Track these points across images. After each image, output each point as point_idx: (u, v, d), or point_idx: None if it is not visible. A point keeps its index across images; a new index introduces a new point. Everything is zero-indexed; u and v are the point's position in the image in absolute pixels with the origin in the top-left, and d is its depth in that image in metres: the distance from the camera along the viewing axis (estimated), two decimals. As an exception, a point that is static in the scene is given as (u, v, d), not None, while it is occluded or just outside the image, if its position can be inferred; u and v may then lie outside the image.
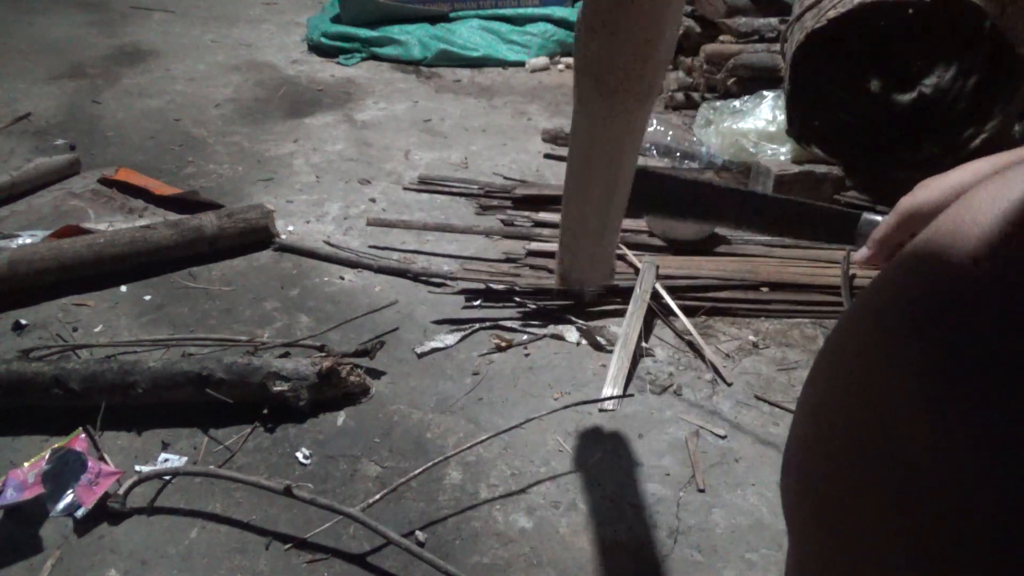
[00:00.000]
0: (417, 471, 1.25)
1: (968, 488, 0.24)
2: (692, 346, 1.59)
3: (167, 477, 1.28)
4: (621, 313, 1.65)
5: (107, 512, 1.20)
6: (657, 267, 1.74)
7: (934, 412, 0.25)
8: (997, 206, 0.27)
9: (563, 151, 2.47)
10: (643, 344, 1.58)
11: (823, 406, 0.33)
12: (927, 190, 0.61)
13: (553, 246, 1.88)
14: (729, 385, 1.49)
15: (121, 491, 1.21)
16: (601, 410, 1.43)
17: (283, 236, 1.99)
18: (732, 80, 2.48)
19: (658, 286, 1.69)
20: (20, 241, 1.88)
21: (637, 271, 1.75)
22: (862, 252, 0.69)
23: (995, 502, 0.23)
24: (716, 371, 1.52)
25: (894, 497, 0.27)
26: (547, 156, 2.48)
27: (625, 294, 1.70)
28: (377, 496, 1.24)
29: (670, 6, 0.75)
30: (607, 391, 1.45)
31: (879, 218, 0.68)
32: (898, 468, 0.27)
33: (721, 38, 2.64)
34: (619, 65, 0.79)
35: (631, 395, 1.46)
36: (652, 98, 0.86)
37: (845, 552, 0.30)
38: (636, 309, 1.62)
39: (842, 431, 0.31)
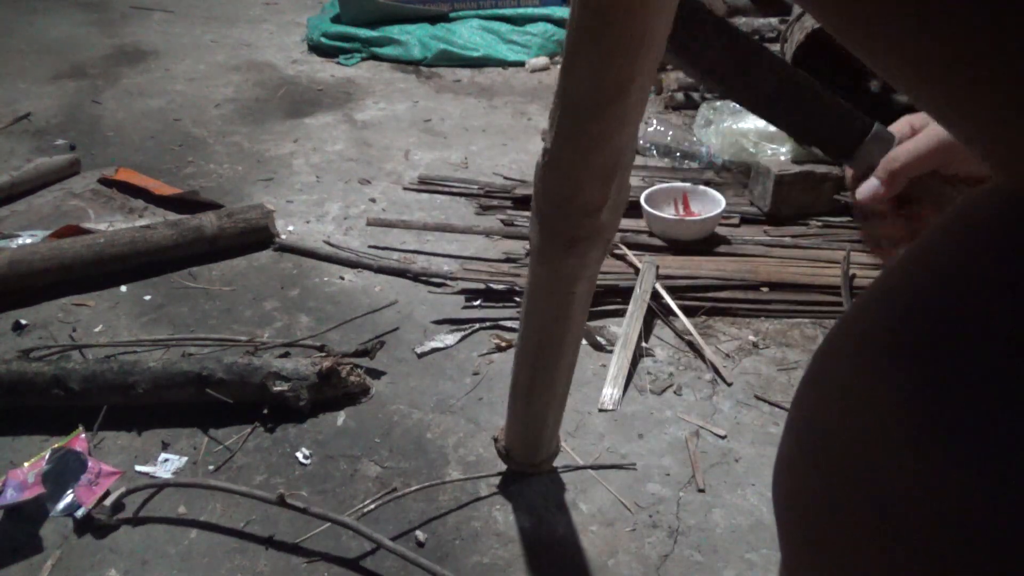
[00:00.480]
0: (416, 487, 1.25)
1: (951, 518, 0.24)
2: (692, 346, 1.59)
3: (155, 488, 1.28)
4: (621, 313, 1.65)
5: (93, 525, 1.20)
6: (657, 267, 1.74)
7: (920, 439, 0.25)
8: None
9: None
10: (643, 344, 1.58)
11: (809, 426, 0.32)
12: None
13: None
14: (729, 385, 1.49)
15: (108, 503, 1.20)
16: (601, 410, 1.43)
17: (283, 236, 1.99)
18: (732, 80, 2.48)
19: (658, 286, 1.69)
20: (20, 241, 1.88)
21: (637, 271, 1.75)
22: (869, 185, 0.57)
23: (978, 531, 0.23)
24: (716, 371, 1.52)
25: (876, 522, 0.27)
26: (547, 156, 2.48)
27: (625, 294, 1.70)
28: (372, 505, 1.24)
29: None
30: (607, 391, 1.45)
31: (891, 132, 0.56)
32: (880, 493, 0.27)
33: (721, 38, 2.64)
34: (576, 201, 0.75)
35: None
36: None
37: (828, 571, 0.30)
38: (636, 309, 1.62)
39: (825, 453, 0.30)
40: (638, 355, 1.55)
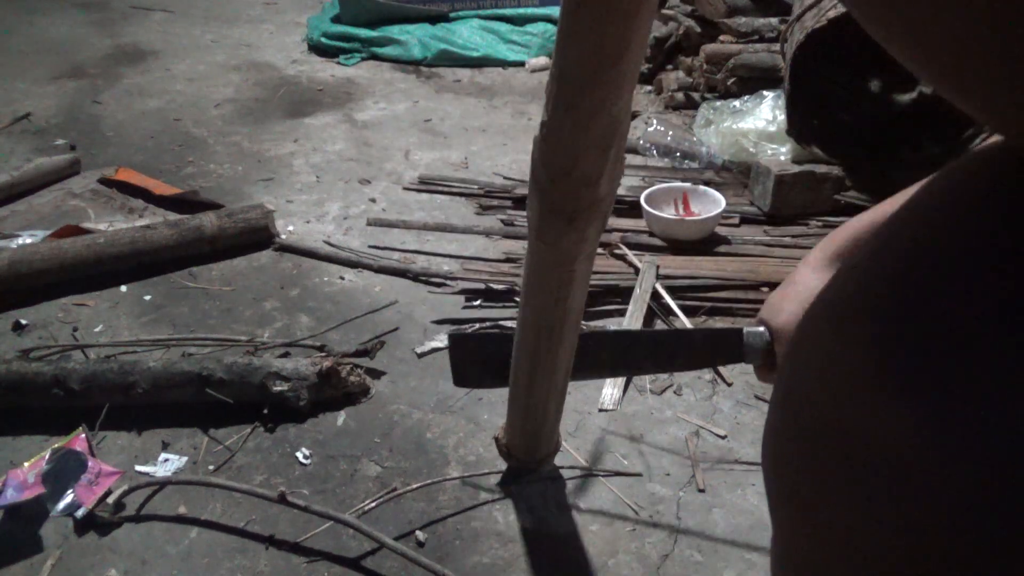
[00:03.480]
0: (416, 485, 1.25)
1: (929, 471, 0.25)
2: (692, 346, 1.59)
3: (157, 486, 1.28)
4: (620, 313, 1.65)
5: (96, 523, 1.20)
6: (657, 267, 1.74)
7: (892, 396, 0.26)
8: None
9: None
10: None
11: (790, 394, 0.34)
12: (781, 313, 0.64)
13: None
14: (729, 385, 1.49)
15: (110, 500, 1.20)
16: (601, 410, 1.43)
17: (283, 236, 1.99)
18: (732, 80, 2.48)
19: (658, 286, 1.69)
20: (20, 241, 1.88)
21: (637, 271, 1.75)
22: (765, 374, 0.71)
23: (958, 482, 0.24)
24: (717, 371, 1.52)
25: (857, 481, 0.28)
26: (547, 156, 2.48)
27: (625, 294, 1.70)
28: (373, 504, 1.24)
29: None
30: (607, 391, 1.45)
31: (761, 329, 0.68)
32: (860, 453, 0.28)
33: (721, 38, 2.64)
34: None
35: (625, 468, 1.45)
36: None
37: (815, 535, 0.32)
38: (636, 309, 1.62)
39: (807, 418, 0.32)
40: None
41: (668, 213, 1.93)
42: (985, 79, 0.22)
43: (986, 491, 0.23)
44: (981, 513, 0.23)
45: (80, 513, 1.19)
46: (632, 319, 1.60)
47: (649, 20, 0.61)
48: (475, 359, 1.03)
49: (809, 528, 0.32)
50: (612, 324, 1.64)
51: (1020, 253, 0.25)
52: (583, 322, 1.62)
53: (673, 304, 1.66)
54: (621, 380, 1.47)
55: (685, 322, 1.63)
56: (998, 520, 0.23)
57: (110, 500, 1.20)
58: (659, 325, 1.66)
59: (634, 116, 2.52)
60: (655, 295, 1.67)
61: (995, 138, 0.28)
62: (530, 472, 1.28)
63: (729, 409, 1.44)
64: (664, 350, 0.86)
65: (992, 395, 0.23)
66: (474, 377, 1.10)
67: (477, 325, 1.65)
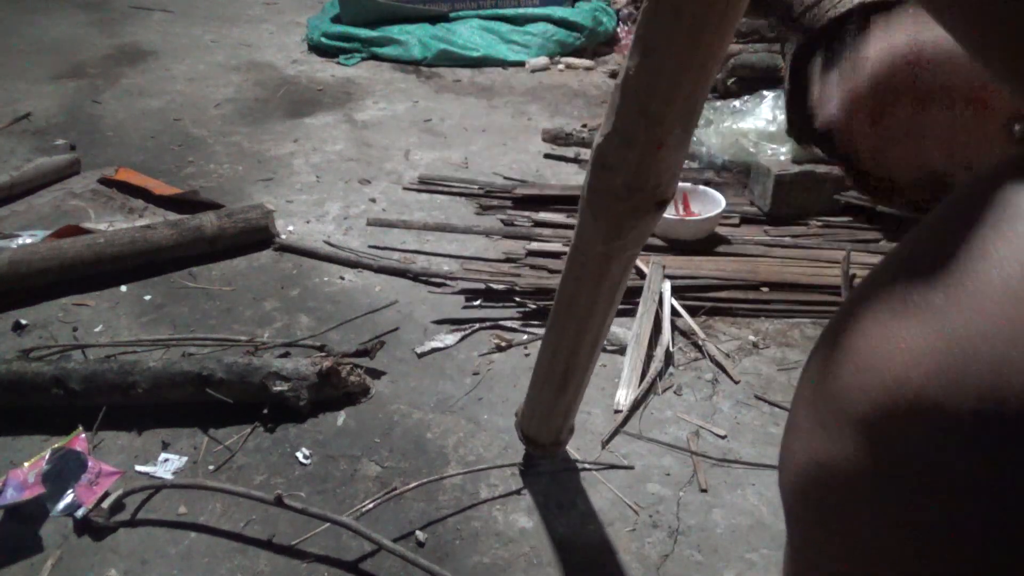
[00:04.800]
0: (414, 484, 1.25)
1: (959, 479, 0.25)
2: (697, 346, 1.59)
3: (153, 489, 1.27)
4: (621, 313, 1.65)
5: (91, 527, 1.19)
6: (663, 267, 1.74)
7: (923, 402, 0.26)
8: None
9: (564, 151, 2.47)
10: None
11: (816, 389, 0.33)
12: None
13: (553, 246, 1.88)
14: (736, 383, 1.49)
15: (106, 504, 1.20)
16: (616, 411, 1.43)
17: (283, 236, 1.99)
18: (732, 80, 2.48)
19: (666, 285, 1.68)
20: (20, 241, 1.88)
21: (638, 271, 1.75)
22: (828, 110, 0.58)
23: (986, 489, 0.23)
24: (724, 370, 1.52)
25: (881, 484, 0.28)
26: (547, 156, 2.48)
27: (625, 294, 1.69)
28: (373, 504, 1.24)
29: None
30: (621, 392, 1.45)
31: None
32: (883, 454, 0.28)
33: (721, 38, 2.64)
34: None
35: (630, 467, 1.44)
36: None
37: (832, 539, 0.31)
38: (646, 310, 1.62)
39: (828, 413, 0.31)
40: (650, 355, 1.54)
41: (668, 213, 1.93)
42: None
43: None
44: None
45: (80, 513, 1.19)
46: (643, 319, 1.60)
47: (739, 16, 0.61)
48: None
49: (834, 544, 0.31)
50: (612, 324, 1.63)
51: None
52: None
53: (677, 305, 1.66)
54: (635, 381, 1.46)
55: (690, 322, 1.63)
56: None
57: (106, 504, 1.20)
58: (666, 325, 1.65)
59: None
60: (659, 297, 1.68)
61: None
62: (544, 458, 1.29)
63: (729, 409, 1.44)
64: None
65: None
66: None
67: (477, 325, 1.65)
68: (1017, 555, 0.23)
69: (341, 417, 1.42)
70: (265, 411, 1.38)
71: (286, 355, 1.51)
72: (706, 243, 1.88)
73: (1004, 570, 0.24)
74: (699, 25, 0.59)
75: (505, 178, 2.31)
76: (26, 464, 1.25)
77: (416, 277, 1.82)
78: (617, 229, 0.81)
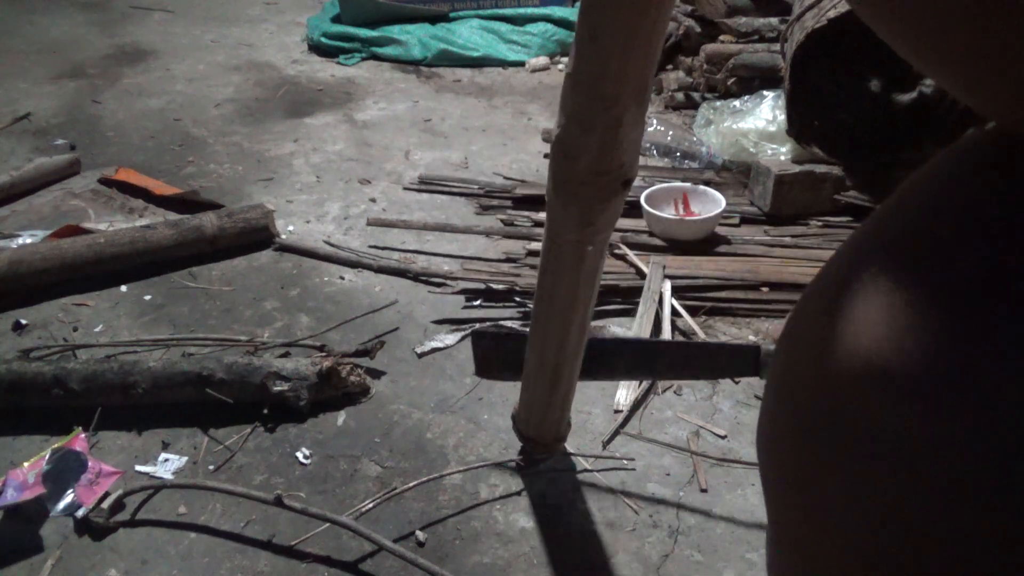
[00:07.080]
0: (414, 483, 1.25)
1: (919, 452, 0.25)
2: (692, 346, 1.59)
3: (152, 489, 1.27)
4: (621, 313, 1.65)
5: (91, 527, 1.19)
6: (664, 267, 1.74)
7: (881, 376, 0.27)
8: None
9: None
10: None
11: (784, 373, 0.34)
12: None
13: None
14: (736, 383, 1.49)
15: (106, 504, 1.20)
16: (616, 411, 1.43)
17: (283, 236, 1.99)
18: (732, 80, 2.47)
19: (667, 285, 1.68)
20: (20, 241, 1.88)
21: (638, 271, 1.75)
22: None
23: (963, 456, 0.24)
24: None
25: (849, 458, 0.28)
26: (547, 156, 2.47)
27: (625, 294, 1.70)
28: (371, 505, 1.24)
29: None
30: (621, 392, 1.45)
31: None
32: (849, 432, 0.28)
33: (721, 38, 2.64)
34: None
35: (631, 465, 1.45)
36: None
37: (807, 513, 0.32)
38: (646, 310, 1.62)
39: (800, 396, 0.32)
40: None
41: (668, 213, 1.93)
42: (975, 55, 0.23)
43: (990, 476, 0.23)
44: (981, 496, 0.23)
45: (80, 513, 1.19)
46: (643, 319, 1.60)
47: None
48: (497, 353, 1.09)
49: (801, 506, 0.32)
50: (614, 322, 1.64)
51: (1010, 227, 0.25)
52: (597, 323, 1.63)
53: (677, 304, 1.66)
54: (635, 382, 1.46)
55: (690, 322, 1.63)
56: (999, 504, 0.23)
57: (106, 504, 1.20)
58: (666, 324, 1.65)
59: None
60: (659, 297, 1.68)
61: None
62: (544, 457, 1.29)
63: (729, 409, 1.44)
64: (682, 361, 0.89)
65: (996, 384, 0.24)
66: (496, 370, 1.17)
67: (477, 325, 1.65)
68: (970, 520, 0.23)
69: (341, 417, 1.42)
70: (265, 411, 1.38)
71: (286, 355, 1.51)
72: (706, 243, 1.88)
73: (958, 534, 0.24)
74: (643, 2, 0.62)
75: (505, 178, 2.31)
76: (26, 464, 1.25)
77: (416, 277, 1.82)
78: (588, 214, 0.83)
